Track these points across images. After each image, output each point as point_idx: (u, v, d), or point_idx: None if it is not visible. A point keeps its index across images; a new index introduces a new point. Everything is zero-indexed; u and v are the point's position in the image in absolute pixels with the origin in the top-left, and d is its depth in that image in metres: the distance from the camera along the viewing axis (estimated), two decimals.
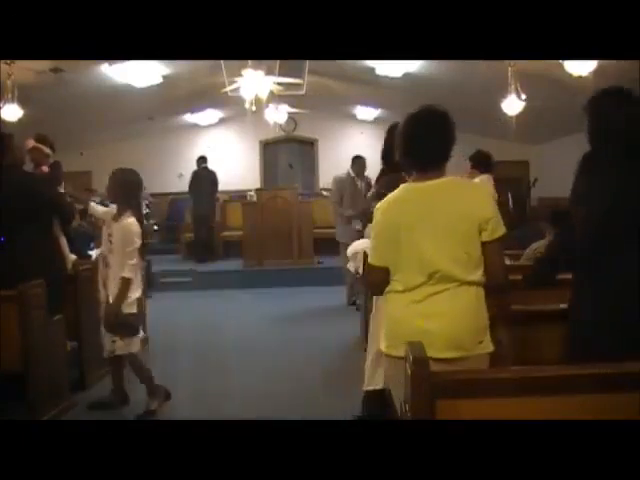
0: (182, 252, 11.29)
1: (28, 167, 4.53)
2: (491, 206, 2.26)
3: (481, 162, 5.84)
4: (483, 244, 2.23)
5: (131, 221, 3.94)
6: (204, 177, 10.58)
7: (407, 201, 2.30)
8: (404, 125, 2.34)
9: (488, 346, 2.28)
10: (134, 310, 3.94)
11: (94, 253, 6.17)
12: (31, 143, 4.76)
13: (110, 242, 3.93)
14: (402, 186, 2.35)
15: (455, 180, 2.31)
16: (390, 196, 2.37)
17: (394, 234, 2.28)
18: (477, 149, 5.71)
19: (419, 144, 2.28)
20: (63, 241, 4.47)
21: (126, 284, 3.86)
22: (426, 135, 2.27)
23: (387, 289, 2.36)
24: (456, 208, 2.23)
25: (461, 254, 2.22)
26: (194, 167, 10.82)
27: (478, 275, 2.25)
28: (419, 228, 2.23)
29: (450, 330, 2.20)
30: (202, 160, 10.81)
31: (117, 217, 3.97)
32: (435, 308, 2.21)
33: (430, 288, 2.22)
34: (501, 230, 2.25)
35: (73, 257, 4.63)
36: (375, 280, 2.39)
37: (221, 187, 11.05)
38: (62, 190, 5.28)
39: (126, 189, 4.02)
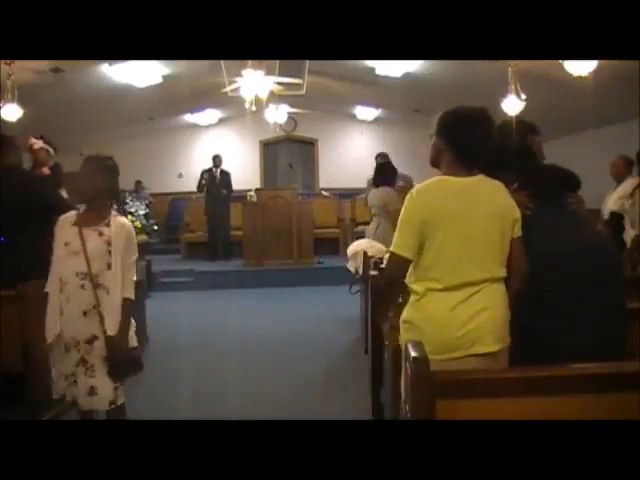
0: (182, 252, 11.29)
1: (26, 167, 4.53)
2: (516, 205, 2.32)
3: None
4: (511, 240, 2.30)
5: (126, 221, 3.09)
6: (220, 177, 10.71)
7: (444, 195, 2.26)
8: (461, 123, 2.31)
9: (509, 339, 2.32)
10: (136, 343, 3.08)
11: None
12: (37, 143, 4.75)
13: (109, 253, 2.93)
14: (438, 178, 2.31)
15: (486, 179, 2.32)
16: (424, 186, 2.30)
17: (427, 226, 2.22)
18: None
19: (476, 145, 2.28)
20: None
21: (131, 308, 3.00)
22: (485, 138, 2.29)
23: (421, 288, 2.27)
24: (493, 206, 2.27)
25: (500, 249, 2.27)
26: (194, 167, 10.80)
27: (504, 271, 2.30)
28: (458, 223, 2.22)
29: (495, 323, 2.24)
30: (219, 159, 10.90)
31: (100, 220, 2.99)
32: (480, 304, 2.22)
33: (472, 286, 2.22)
34: (521, 228, 2.33)
35: None
36: (394, 269, 2.31)
37: None
38: (63, 192, 5.28)
39: (112, 181, 3.11)
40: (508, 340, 2.29)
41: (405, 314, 2.34)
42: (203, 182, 10.65)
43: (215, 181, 10.61)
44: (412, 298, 2.32)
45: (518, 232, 2.31)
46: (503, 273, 2.28)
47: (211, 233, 10.67)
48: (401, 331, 2.37)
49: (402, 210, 2.28)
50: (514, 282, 2.31)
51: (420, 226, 2.22)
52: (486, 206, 2.25)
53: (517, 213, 2.30)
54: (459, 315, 2.20)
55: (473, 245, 2.22)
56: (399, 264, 2.27)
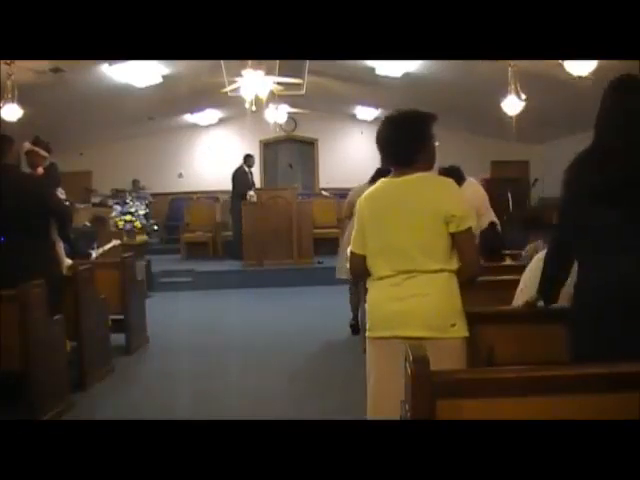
0: (182, 252, 11.29)
1: (24, 170, 4.52)
2: (456, 200, 2.41)
3: (453, 175, 5.90)
4: (452, 235, 2.38)
5: None
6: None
7: (381, 195, 2.50)
8: (379, 127, 2.54)
9: (461, 331, 2.40)
10: None
11: (94, 252, 6.19)
12: (27, 146, 4.75)
13: None
14: (380, 181, 2.56)
15: (425, 176, 2.46)
16: (369, 190, 2.56)
17: (368, 224, 2.48)
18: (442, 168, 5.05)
19: (389, 145, 2.49)
20: (59, 245, 4.42)
21: None
22: (395, 137, 2.47)
23: (369, 278, 2.54)
24: (423, 202, 2.39)
25: (429, 244, 2.38)
26: (194, 167, 10.79)
27: (449, 264, 2.40)
28: (390, 219, 2.43)
29: (423, 310, 2.36)
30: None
31: None
32: (410, 291, 2.38)
33: (405, 275, 2.39)
34: (469, 222, 2.39)
35: (69, 262, 4.59)
36: (354, 266, 2.60)
37: (221, 187, 11.07)
38: (61, 191, 5.27)
39: None
40: (452, 332, 2.36)
41: None
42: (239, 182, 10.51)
43: (252, 181, 10.61)
44: None
45: (459, 227, 2.37)
46: (444, 265, 2.38)
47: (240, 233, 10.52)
48: None
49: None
50: (462, 274, 2.42)
51: (362, 225, 2.52)
52: (413, 203, 2.40)
53: (454, 210, 2.36)
54: (387, 296, 2.42)
55: (397, 239, 2.40)
56: (356, 260, 2.56)
